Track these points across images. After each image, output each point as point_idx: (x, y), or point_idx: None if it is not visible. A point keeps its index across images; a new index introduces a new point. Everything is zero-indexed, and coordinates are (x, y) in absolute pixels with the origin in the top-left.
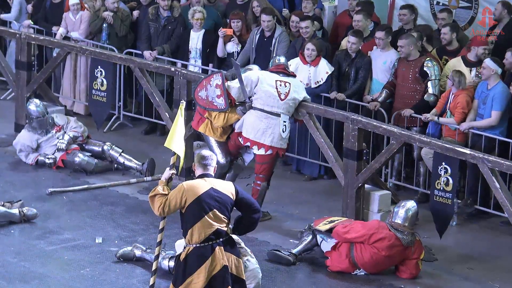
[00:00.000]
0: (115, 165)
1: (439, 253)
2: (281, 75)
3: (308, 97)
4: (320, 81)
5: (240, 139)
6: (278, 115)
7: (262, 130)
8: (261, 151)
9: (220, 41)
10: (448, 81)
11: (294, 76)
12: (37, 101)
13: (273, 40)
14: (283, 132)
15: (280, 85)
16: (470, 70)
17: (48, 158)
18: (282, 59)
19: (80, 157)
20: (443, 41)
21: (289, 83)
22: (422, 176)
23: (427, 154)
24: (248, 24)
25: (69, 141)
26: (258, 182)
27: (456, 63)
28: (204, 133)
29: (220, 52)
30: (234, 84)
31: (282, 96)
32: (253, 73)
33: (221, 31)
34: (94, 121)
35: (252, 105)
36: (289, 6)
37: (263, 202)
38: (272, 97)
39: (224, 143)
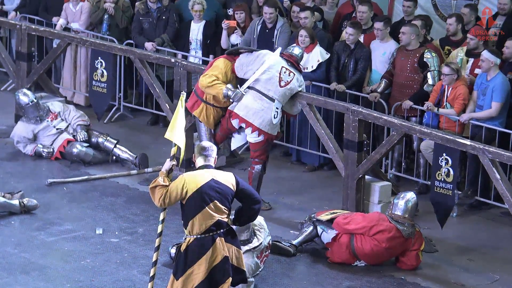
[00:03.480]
0: (112, 157)
1: (439, 244)
2: (289, 64)
3: (304, 90)
4: (308, 68)
5: (232, 120)
6: (272, 100)
7: (254, 110)
8: (249, 132)
9: (224, 32)
10: (446, 76)
11: (301, 71)
12: (24, 90)
13: (275, 32)
14: (274, 118)
15: (285, 72)
16: (467, 61)
17: (46, 148)
18: (296, 51)
19: (78, 148)
20: (448, 31)
21: (294, 74)
22: (422, 167)
23: (426, 149)
24: (253, 13)
25: (84, 131)
26: (253, 166)
27: (458, 53)
28: (198, 117)
29: (224, 43)
30: (237, 60)
31: (282, 83)
32: (262, 54)
33: (225, 23)
34: (94, 112)
35: (251, 85)
36: None
37: (260, 186)
38: (272, 81)
39: (213, 132)
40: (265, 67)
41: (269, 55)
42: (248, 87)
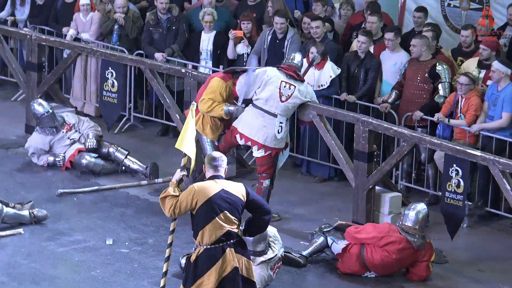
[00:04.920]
0: (122, 168)
1: (449, 255)
2: (288, 77)
3: (316, 100)
4: (324, 84)
5: (237, 136)
6: (275, 115)
7: (257, 127)
8: (255, 150)
9: (231, 43)
10: (463, 86)
11: (302, 81)
12: (39, 100)
13: (286, 42)
14: (278, 133)
15: (285, 86)
16: (479, 72)
17: (57, 156)
18: (297, 59)
19: (87, 159)
20: (463, 43)
21: (294, 86)
22: (431, 179)
23: (440, 158)
24: (265, 22)
25: (96, 139)
26: (261, 181)
27: (470, 63)
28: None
29: (230, 54)
30: (238, 81)
31: (283, 98)
32: (260, 74)
33: (231, 33)
34: (104, 123)
35: (252, 102)
36: (304, 7)
37: (269, 200)
38: (273, 97)
39: (215, 143)
40: (265, 82)
41: (268, 72)
42: (252, 105)
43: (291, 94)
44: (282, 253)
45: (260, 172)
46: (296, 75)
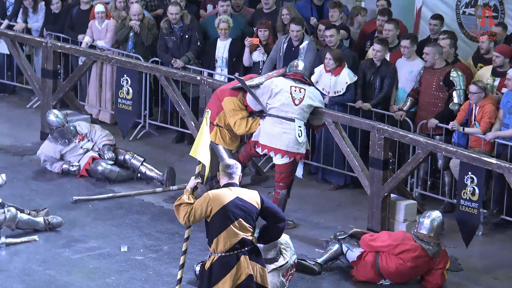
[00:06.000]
0: (138, 174)
1: (464, 263)
2: (297, 81)
3: (323, 106)
4: (340, 91)
5: (257, 148)
6: (292, 120)
7: (277, 135)
8: (279, 158)
9: (246, 50)
10: (473, 94)
11: (311, 84)
12: (55, 111)
13: (301, 50)
14: (299, 136)
15: (295, 90)
16: (494, 80)
17: (72, 166)
18: (300, 66)
19: (103, 166)
20: (481, 50)
21: (304, 89)
22: (447, 186)
23: (456, 166)
24: (277, 31)
25: (111, 151)
26: (278, 191)
27: (485, 72)
28: (214, 141)
29: (246, 61)
30: (248, 96)
31: (297, 102)
32: (268, 85)
33: (248, 41)
34: (119, 130)
35: (268, 112)
36: (318, 15)
37: (284, 210)
38: (286, 103)
39: (233, 152)
40: (275, 92)
41: (275, 82)
42: (267, 114)
43: (303, 97)
44: (294, 260)
45: (277, 180)
46: (303, 79)
